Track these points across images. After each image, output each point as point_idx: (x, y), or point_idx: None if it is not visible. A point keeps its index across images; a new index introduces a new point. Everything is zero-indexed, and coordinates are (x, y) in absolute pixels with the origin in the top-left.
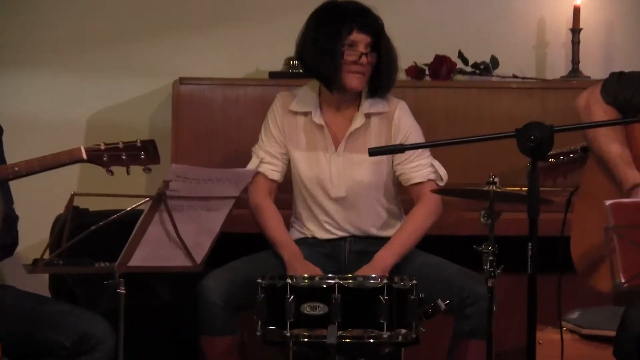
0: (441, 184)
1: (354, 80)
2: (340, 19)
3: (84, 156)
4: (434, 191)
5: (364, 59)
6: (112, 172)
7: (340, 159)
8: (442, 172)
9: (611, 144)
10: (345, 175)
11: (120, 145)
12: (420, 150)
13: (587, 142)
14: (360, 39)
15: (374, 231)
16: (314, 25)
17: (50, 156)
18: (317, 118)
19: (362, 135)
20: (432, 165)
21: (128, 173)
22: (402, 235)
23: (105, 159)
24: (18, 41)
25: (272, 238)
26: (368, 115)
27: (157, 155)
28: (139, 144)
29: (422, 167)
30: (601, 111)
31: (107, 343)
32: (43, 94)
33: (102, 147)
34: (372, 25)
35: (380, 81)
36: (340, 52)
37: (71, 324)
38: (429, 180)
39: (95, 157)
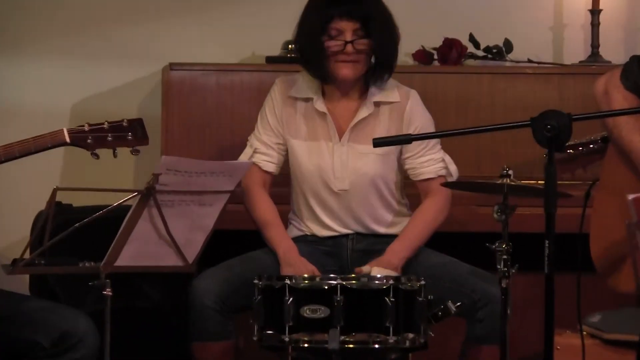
0: (451, 180)
1: (343, 70)
2: (324, 5)
3: (67, 139)
4: (444, 184)
5: (349, 48)
6: (97, 156)
7: (345, 149)
8: (453, 168)
9: (634, 134)
10: (350, 167)
11: (106, 126)
12: (432, 143)
13: (606, 131)
14: (345, 27)
15: (378, 228)
16: (304, 12)
17: (30, 140)
18: (320, 105)
19: (369, 125)
20: (444, 160)
21: (115, 156)
22: (414, 229)
23: (89, 141)
24: (0, 28)
25: (265, 231)
26: (377, 104)
27: (146, 135)
28: (125, 124)
29: (433, 162)
30: (621, 97)
31: (89, 340)
32: (25, 81)
33: (86, 128)
34: (358, 10)
35: (376, 67)
36: (322, 41)
37: (50, 322)
38: (439, 176)
39: (79, 139)
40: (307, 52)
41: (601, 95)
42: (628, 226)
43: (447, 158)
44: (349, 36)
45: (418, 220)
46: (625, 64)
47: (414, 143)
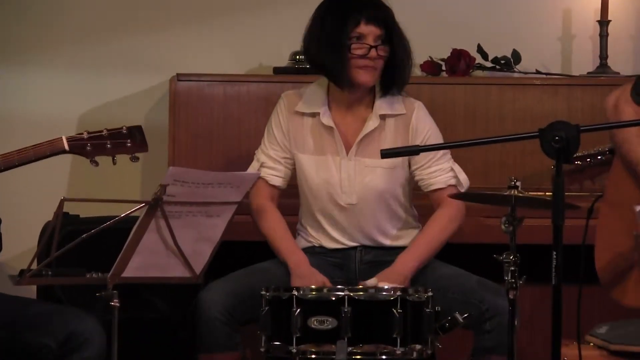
0: (462, 189)
1: (363, 75)
2: (347, 9)
3: (66, 147)
4: (452, 196)
5: (373, 53)
6: (96, 163)
7: (352, 164)
8: (463, 177)
9: None
10: (357, 181)
11: (105, 133)
12: (440, 153)
13: (614, 144)
14: (368, 32)
15: (385, 241)
16: (321, 16)
17: (30, 148)
18: (326, 119)
19: (376, 138)
20: (453, 170)
21: (114, 163)
22: (424, 238)
23: (88, 148)
24: (6, 36)
25: (275, 243)
26: (383, 117)
27: (145, 142)
28: (124, 131)
29: (441, 172)
30: (632, 112)
31: (96, 340)
32: (32, 91)
33: (85, 135)
34: (383, 16)
35: (394, 77)
36: (347, 45)
37: (56, 323)
38: (449, 185)
39: (78, 147)
40: (327, 55)
41: (611, 109)
42: (635, 237)
43: (457, 167)
44: (372, 41)
45: (429, 230)
46: (637, 78)
47: (422, 154)
